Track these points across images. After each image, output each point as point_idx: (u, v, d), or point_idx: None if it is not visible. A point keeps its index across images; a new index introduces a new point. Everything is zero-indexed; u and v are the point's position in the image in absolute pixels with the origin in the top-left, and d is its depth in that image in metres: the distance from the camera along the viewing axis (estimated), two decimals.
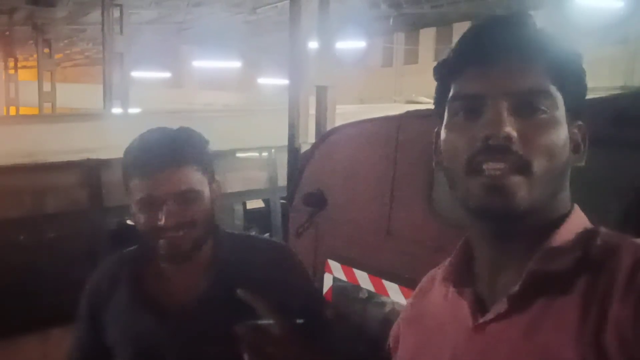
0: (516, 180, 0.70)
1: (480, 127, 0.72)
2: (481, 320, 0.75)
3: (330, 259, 2.58)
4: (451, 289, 0.83)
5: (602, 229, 0.75)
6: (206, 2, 14.57)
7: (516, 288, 0.72)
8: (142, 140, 1.24)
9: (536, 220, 0.73)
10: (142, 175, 1.19)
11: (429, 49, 21.14)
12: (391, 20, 17.94)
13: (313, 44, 5.31)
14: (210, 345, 1.19)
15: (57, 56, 14.88)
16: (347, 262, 2.51)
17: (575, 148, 0.77)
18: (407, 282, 2.22)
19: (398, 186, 2.28)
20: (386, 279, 2.32)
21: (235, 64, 18.78)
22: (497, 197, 0.70)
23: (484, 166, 0.71)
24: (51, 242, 4.14)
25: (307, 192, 2.70)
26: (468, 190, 0.73)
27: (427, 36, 21.21)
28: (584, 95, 0.78)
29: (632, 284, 0.65)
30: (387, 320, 2.47)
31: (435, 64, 0.82)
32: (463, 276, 0.82)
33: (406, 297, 2.26)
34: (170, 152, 1.20)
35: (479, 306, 0.78)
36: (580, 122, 0.78)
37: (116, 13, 8.95)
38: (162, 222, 1.16)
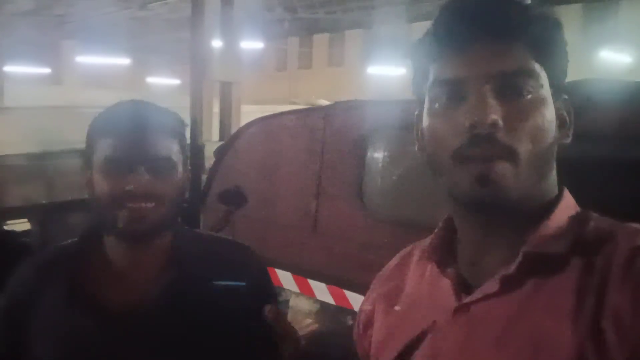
0: (504, 167, 0.68)
1: (464, 114, 0.69)
2: (467, 300, 0.73)
3: None
4: (430, 268, 0.82)
5: (593, 214, 0.75)
6: None
7: (512, 269, 0.70)
8: (118, 104, 1.09)
9: (525, 204, 0.72)
10: (115, 133, 1.04)
11: (323, 54, 21.49)
12: (286, 24, 18.02)
13: (215, 42, 5.10)
14: (162, 352, 1.04)
15: None
16: (268, 263, 2.36)
17: (561, 124, 0.75)
18: (335, 281, 2.13)
19: (325, 181, 2.18)
20: (312, 278, 2.21)
21: (123, 62, 17.89)
22: (486, 186, 0.69)
23: (472, 156, 0.69)
24: None
25: (223, 190, 2.53)
26: (456, 180, 0.72)
27: (321, 42, 21.55)
28: (566, 67, 0.76)
29: (629, 271, 0.64)
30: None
31: (328, 70, 0.75)
32: (445, 255, 0.80)
33: (334, 296, 2.17)
34: (151, 116, 1.06)
35: (462, 286, 0.76)
36: (565, 96, 0.76)
37: None
38: (130, 187, 1.01)
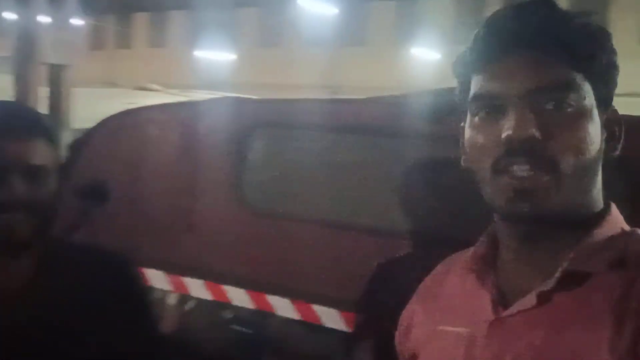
0: (544, 181, 0.68)
1: (503, 128, 0.70)
2: (504, 314, 0.74)
3: None
4: (470, 279, 0.81)
5: None
6: None
7: (550, 285, 0.70)
8: None
9: (567, 219, 0.72)
10: None
11: (143, 34, 20.45)
12: (103, 0, 16.80)
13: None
14: None
15: None
16: (137, 263, 2.28)
17: (609, 137, 0.74)
18: (214, 277, 2.13)
19: (201, 176, 2.17)
20: (188, 276, 2.19)
21: None
22: (525, 200, 0.69)
23: (510, 169, 0.69)
24: None
25: (82, 185, 2.37)
26: (496, 193, 0.72)
27: (141, 21, 20.49)
28: (616, 79, 0.75)
29: None
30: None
31: (150, 50, 0.78)
32: (485, 267, 0.80)
33: (213, 293, 2.17)
34: (26, 121, 1.04)
35: (501, 299, 0.76)
36: (614, 108, 0.76)
37: None
38: (2, 197, 0.98)
